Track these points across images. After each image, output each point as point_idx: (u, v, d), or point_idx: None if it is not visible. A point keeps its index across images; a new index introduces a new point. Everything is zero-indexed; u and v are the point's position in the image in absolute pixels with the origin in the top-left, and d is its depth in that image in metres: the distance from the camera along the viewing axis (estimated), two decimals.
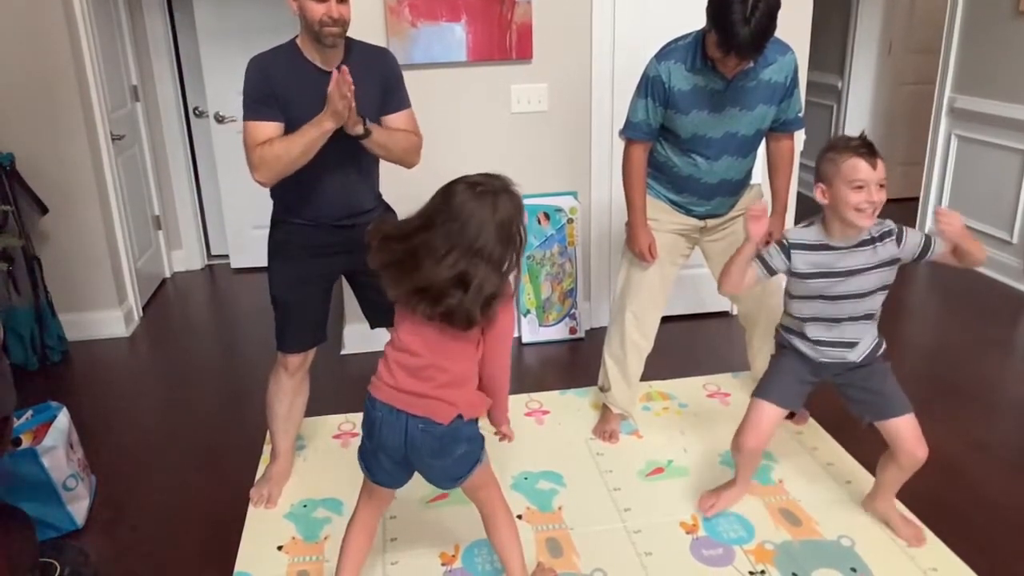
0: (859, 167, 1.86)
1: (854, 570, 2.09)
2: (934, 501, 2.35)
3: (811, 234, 2.02)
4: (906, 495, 2.34)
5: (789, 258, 2.02)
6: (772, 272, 2.06)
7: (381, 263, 1.66)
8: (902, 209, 5.34)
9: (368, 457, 1.82)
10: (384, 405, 1.74)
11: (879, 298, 2.03)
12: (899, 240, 1.97)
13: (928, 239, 1.98)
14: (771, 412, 2.12)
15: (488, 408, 1.83)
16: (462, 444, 1.75)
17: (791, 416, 2.15)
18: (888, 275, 2.00)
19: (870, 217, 1.89)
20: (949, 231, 1.89)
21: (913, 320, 3.73)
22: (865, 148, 1.88)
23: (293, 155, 2.06)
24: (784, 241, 2.04)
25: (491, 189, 1.64)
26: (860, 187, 1.86)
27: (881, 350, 2.11)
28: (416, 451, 1.74)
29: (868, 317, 2.04)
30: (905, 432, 2.05)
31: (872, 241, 1.97)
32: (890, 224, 1.98)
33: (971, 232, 1.95)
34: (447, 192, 1.64)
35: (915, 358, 3.36)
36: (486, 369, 1.76)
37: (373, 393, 1.77)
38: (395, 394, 1.72)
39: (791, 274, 2.04)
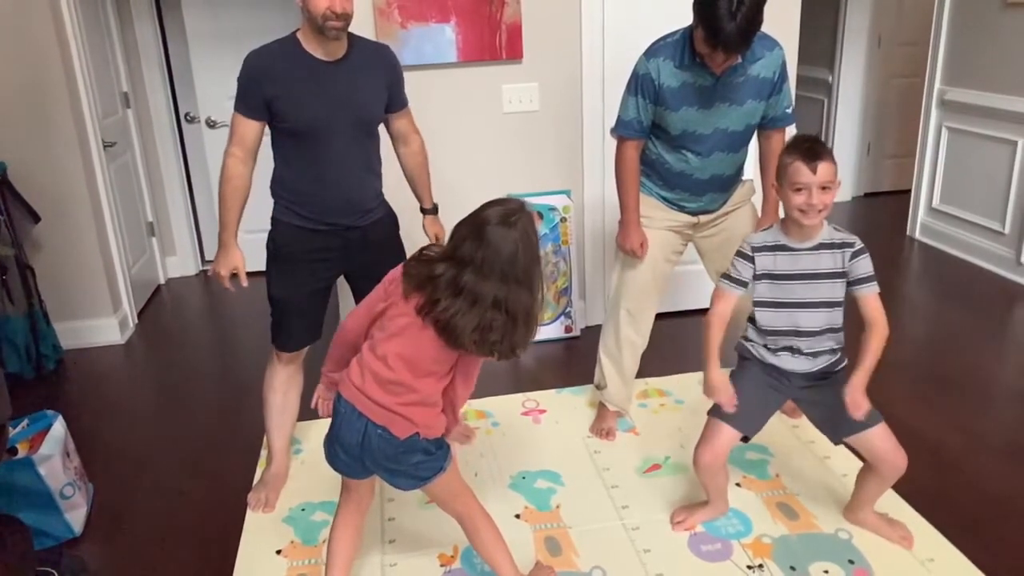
0: (799, 171, 1.88)
1: (852, 562, 2.10)
2: (930, 491, 2.36)
3: (770, 236, 2.03)
4: (902, 485, 2.34)
5: (753, 263, 2.02)
6: (744, 285, 2.05)
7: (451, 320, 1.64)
8: (895, 201, 5.37)
9: (328, 445, 1.83)
10: (348, 403, 1.75)
11: (837, 313, 2.01)
12: (854, 256, 1.96)
13: (871, 279, 1.96)
14: (728, 433, 2.09)
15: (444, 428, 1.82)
16: (418, 454, 1.75)
17: (746, 439, 2.14)
18: (841, 289, 1.99)
19: (814, 217, 1.91)
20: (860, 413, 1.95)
21: (907, 311, 3.75)
22: (809, 151, 1.88)
23: (220, 206, 2.21)
24: (745, 249, 2.04)
25: (518, 217, 1.65)
26: (800, 189, 1.89)
27: (842, 365, 2.08)
28: (371, 454, 1.74)
29: (829, 330, 2.02)
30: (881, 443, 2.02)
31: (831, 247, 1.97)
32: (855, 239, 1.98)
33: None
34: (485, 233, 1.63)
35: (909, 349, 3.37)
36: (453, 391, 1.77)
37: (340, 389, 1.78)
38: (360, 397, 1.73)
39: (754, 278, 2.03)
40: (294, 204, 2.24)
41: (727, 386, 2.06)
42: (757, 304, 2.07)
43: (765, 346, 2.09)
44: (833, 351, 2.06)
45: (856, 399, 1.94)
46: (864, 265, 1.96)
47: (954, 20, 4.33)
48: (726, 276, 2.08)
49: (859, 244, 1.98)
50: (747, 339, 2.15)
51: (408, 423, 1.71)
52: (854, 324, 2.01)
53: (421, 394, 1.72)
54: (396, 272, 1.75)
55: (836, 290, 1.99)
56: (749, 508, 2.33)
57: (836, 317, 2.02)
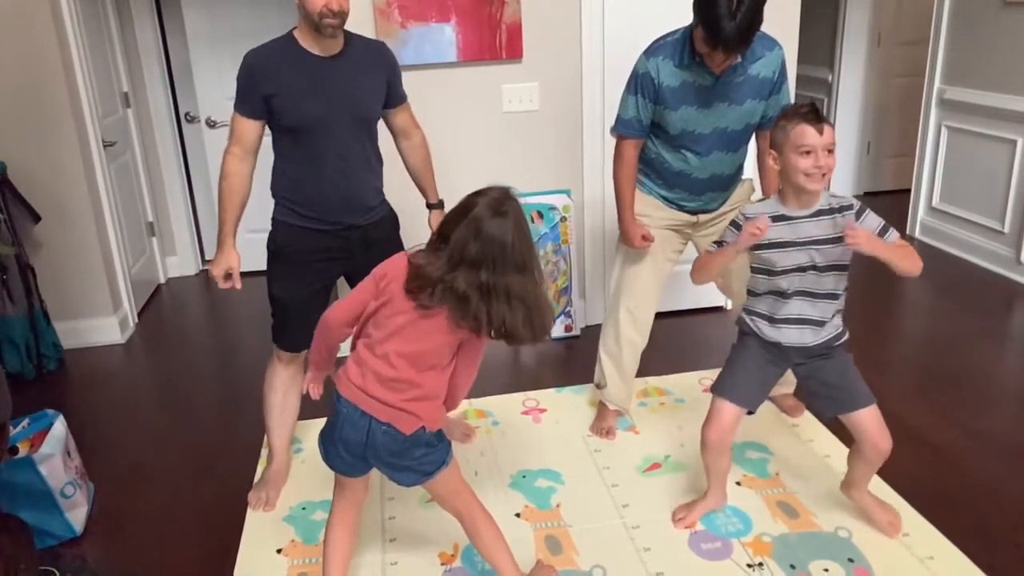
0: (806, 133, 1.89)
1: (851, 560, 2.10)
2: (929, 489, 2.37)
3: (767, 206, 2.04)
4: (902, 483, 2.36)
5: None
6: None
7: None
8: (895, 201, 5.36)
9: (328, 445, 1.83)
10: (350, 403, 1.75)
11: (838, 279, 2.01)
12: (858, 216, 1.96)
13: (886, 228, 1.96)
14: (731, 409, 2.11)
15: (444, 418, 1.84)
16: (421, 448, 1.76)
17: (750, 413, 2.16)
18: (845, 253, 1.98)
19: (820, 181, 1.91)
20: (853, 244, 1.85)
21: (907, 310, 3.75)
22: (812, 114, 1.90)
23: (219, 205, 2.22)
24: (739, 219, 2.05)
25: (508, 204, 1.66)
26: (808, 152, 1.89)
27: (842, 340, 2.08)
28: (375, 451, 1.75)
29: (829, 297, 2.02)
30: (868, 424, 2.04)
31: (831, 212, 1.97)
32: (852, 200, 1.99)
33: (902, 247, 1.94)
34: (484, 230, 1.62)
35: (910, 348, 3.37)
36: (455, 379, 1.78)
37: (340, 390, 1.77)
38: (362, 396, 1.73)
39: (750, 248, 2.04)
40: (294, 204, 2.24)
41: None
42: (757, 272, 2.07)
43: (767, 320, 2.09)
44: (836, 322, 2.06)
45: (856, 232, 1.85)
46: (872, 220, 1.96)
47: (954, 19, 4.33)
48: (716, 242, 2.09)
49: (858, 204, 1.98)
50: (748, 312, 2.15)
51: (414, 418, 1.72)
52: (857, 316, 2.01)
53: (424, 388, 1.72)
54: (384, 269, 1.73)
55: (839, 254, 1.98)
56: (749, 507, 2.33)
57: (839, 283, 2.02)
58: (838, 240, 1.96)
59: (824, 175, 1.90)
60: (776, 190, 2.22)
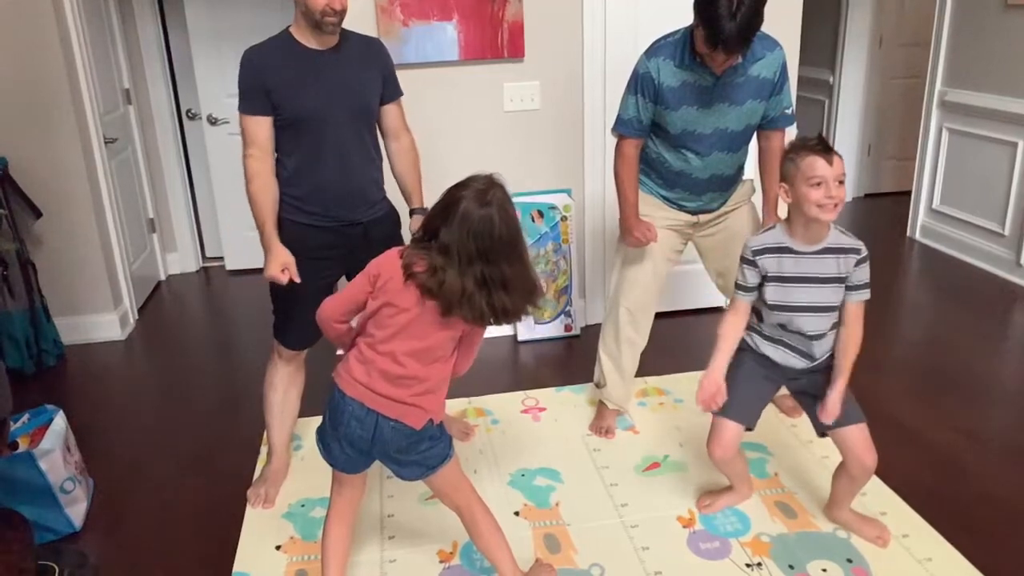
0: (816, 165, 1.88)
1: (850, 561, 2.10)
2: (928, 490, 2.37)
3: (772, 237, 2.02)
4: (901, 485, 2.37)
5: (756, 266, 2.02)
6: (754, 289, 2.05)
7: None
8: (895, 203, 5.37)
9: (329, 442, 1.83)
10: (355, 401, 1.75)
11: (833, 317, 2.01)
12: (859, 263, 1.96)
13: (866, 286, 1.98)
14: (732, 427, 2.12)
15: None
16: (425, 442, 1.78)
17: (748, 428, 2.16)
18: (841, 293, 1.99)
19: (832, 211, 1.90)
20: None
21: (907, 312, 3.75)
22: (821, 146, 1.90)
23: (253, 210, 2.19)
24: (747, 255, 2.03)
25: (492, 193, 1.67)
26: (819, 184, 1.89)
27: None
28: (383, 446, 1.76)
29: (818, 335, 2.03)
30: (855, 440, 2.04)
31: (837, 251, 1.96)
32: (861, 245, 1.98)
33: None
34: (473, 224, 1.63)
35: (909, 350, 3.38)
36: (457, 364, 1.81)
37: (344, 389, 1.76)
38: (368, 394, 1.73)
39: (764, 279, 2.04)
40: (297, 200, 2.24)
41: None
42: (760, 302, 2.07)
43: (764, 338, 2.10)
44: (828, 349, 2.07)
45: (834, 410, 2.00)
46: (865, 272, 1.97)
47: (955, 21, 4.33)
48: (737, 285, 2.08)
49: (864, 251, 1.97)
50: (747, 328, 2.15)
51: (422, 412, 1.74)
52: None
53: (431, 382, 1.74)
54: (378, 268, 1.73)
55: (838, 294, 1.99)
56: (748, 507, 2.34)
57: (833, 320, 2.02)
58: (841, 280, 1.96)
59: (836, 205, 1.90)
60: (775, 207, 2.22)
